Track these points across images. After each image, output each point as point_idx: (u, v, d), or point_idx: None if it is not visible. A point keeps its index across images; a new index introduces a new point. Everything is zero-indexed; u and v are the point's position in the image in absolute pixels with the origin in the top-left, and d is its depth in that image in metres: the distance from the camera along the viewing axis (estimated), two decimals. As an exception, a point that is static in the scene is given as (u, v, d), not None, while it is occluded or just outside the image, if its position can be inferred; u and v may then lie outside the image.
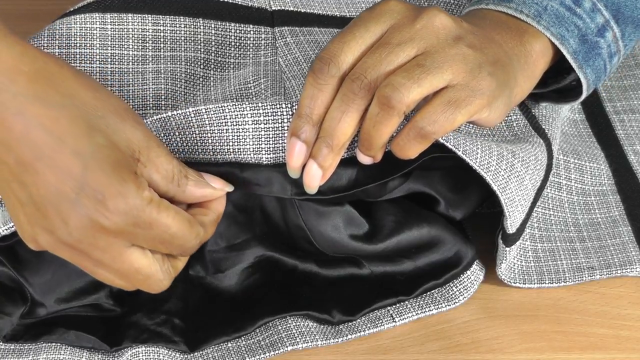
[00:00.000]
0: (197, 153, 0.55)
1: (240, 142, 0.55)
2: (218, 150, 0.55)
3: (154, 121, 0.55)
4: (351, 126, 0.53)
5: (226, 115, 0.55)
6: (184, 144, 0.55)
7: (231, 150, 0.55)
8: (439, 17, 0.54)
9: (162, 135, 0.55)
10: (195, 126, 0.55)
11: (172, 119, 0.55)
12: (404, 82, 0.51)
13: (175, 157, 0.52)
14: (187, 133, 0.55)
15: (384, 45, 0.53)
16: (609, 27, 0.61)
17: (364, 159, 0.55)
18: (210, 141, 0.55)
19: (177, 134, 0.55)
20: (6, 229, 0.54)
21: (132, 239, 0.49)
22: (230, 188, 0.55)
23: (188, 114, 0.55)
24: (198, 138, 0.55)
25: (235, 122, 0.55)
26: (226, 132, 0.55)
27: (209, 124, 0.55)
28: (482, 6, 0.61)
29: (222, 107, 0.55)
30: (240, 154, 0.55)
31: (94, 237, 0.48)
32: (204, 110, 0.55)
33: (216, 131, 0.55)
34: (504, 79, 0.55)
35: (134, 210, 0.48)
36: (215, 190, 0.54)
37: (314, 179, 0.54)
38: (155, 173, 0.50)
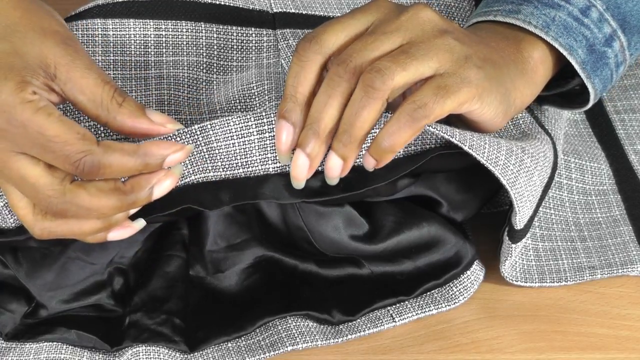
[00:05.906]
0: (207, 171, 0.55)
1: (247, 154, 0.55)
2: (227, 166, 0.55)
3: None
4: (337, 110, 0.53)
5: (231, 129, 0.55)
6: (193, 164, 0.55)
7: (240, 164, 0.55)
8: (424, 11, 0.55)
9: None
10: (203, 144, 0.55)
11: (177, 139, 0.55)
12: (389, 66, 0.52)
13: (113, 84, 0.52)
14: (195, 152, 0.55)
15: (369, 34, 0.54)
16: (616, 37, 0.61)
17: (335, 163, 0.53)
18: (218, 157, 0.55)
19: None
20: None
21: (13, 141, 0.50)
22: (175, 126, 0.53)
23: (194, 131, 0.55)
24: (207, 156, 0.55)
25: (241, 134, 0.55)
26: (233, 147, 0.55)
27: (215, 139, 0.55)
28: (490, 17, 0.61)
29: (227, 121, 0.55)
30: (249, 167, 0.56)
31: None
32: (209, 126, 0.55)
33: (223, 146, 0.55)
34: (495, 75, 0.55)
35: (5, 106, 0.49)
36: (151, 125, 0.53)
37: (301, 170, 0.54)
38: (80, 94, 0.51)
